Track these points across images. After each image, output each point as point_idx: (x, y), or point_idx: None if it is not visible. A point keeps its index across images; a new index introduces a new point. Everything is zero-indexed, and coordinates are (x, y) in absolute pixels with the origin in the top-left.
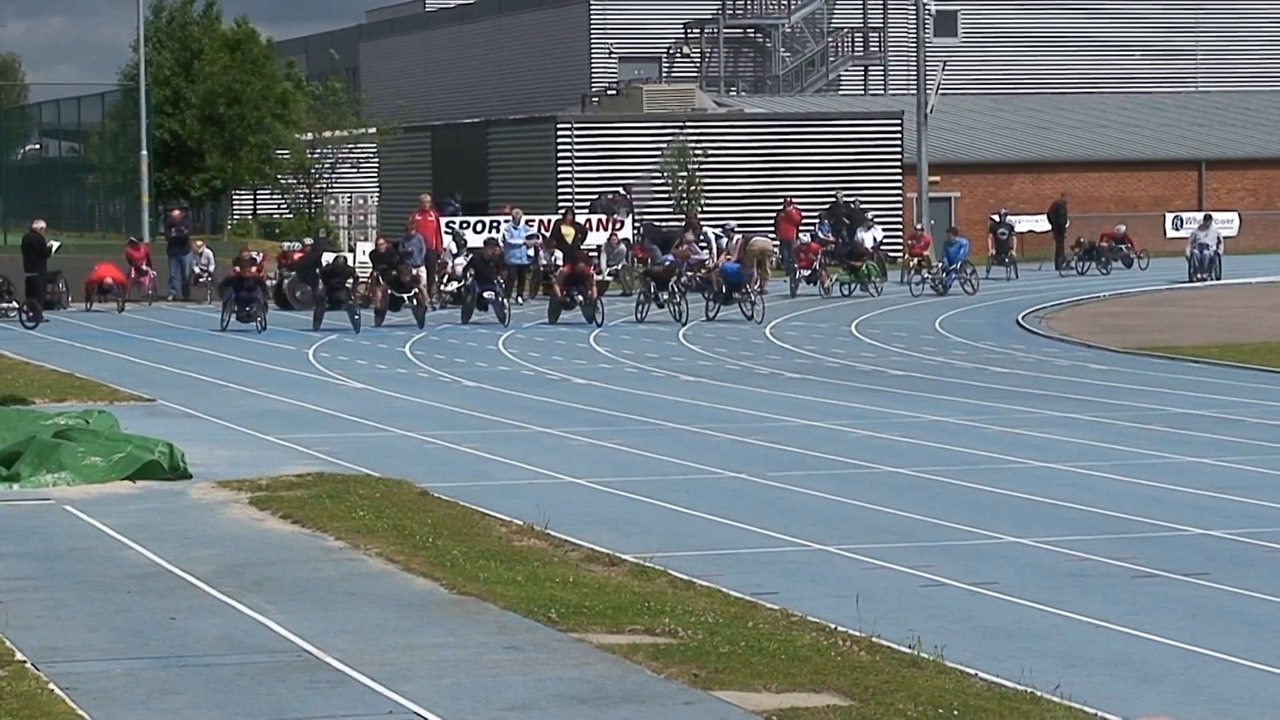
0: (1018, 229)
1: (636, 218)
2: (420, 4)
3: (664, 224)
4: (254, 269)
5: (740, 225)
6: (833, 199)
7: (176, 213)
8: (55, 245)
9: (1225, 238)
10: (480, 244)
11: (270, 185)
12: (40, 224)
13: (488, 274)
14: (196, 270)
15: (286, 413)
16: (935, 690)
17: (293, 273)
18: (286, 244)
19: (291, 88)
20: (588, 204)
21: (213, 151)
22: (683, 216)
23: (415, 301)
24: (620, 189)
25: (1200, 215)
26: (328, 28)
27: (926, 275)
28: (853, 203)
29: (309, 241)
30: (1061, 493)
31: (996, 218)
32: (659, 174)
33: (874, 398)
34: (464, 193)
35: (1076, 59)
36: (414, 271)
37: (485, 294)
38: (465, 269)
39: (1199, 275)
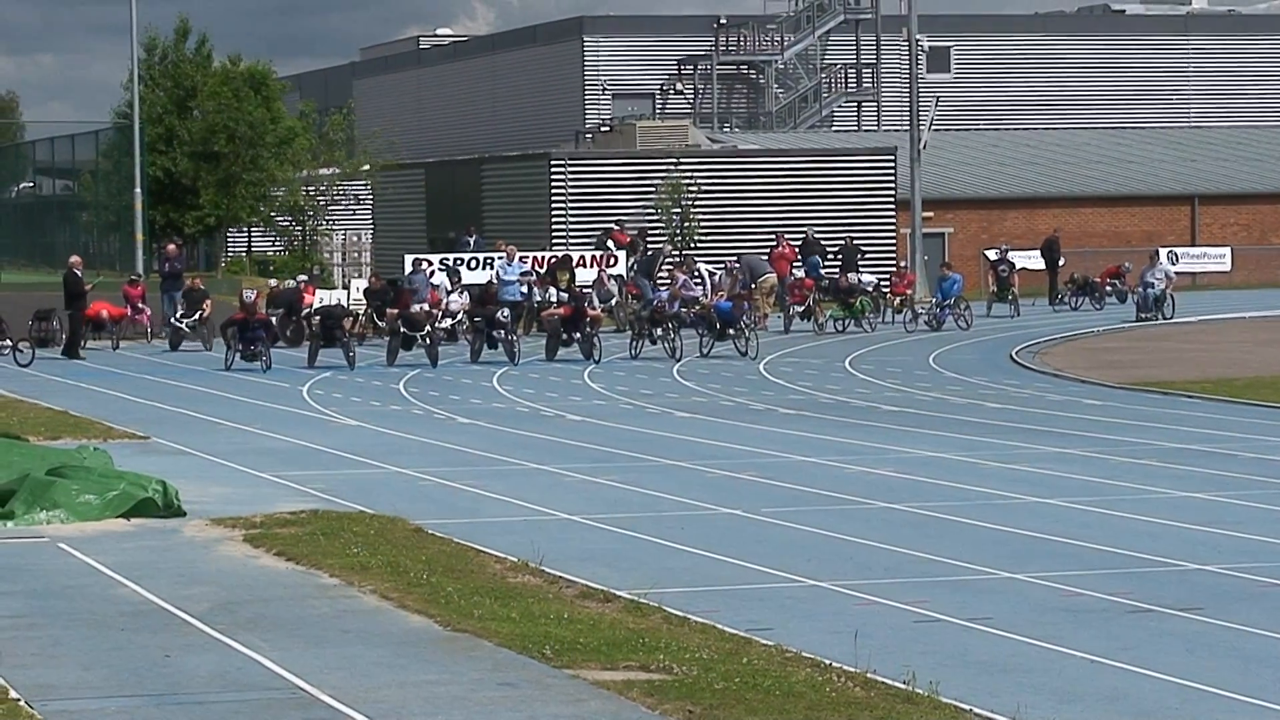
0: (1018, 265)
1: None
2: (414, 41)
3: (652, 247)
4: (258, 312)
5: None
6: (804, 235)
7: (171, 247)
8: (89, 285)
9: (1218, 272)
10: (475, 280)
11: (264, 223)
12: (75, 259)
13: (494, 313)
14: None
15: (281, 450)
16: None
17: (280, 310)
18: (290, 281)
19: (300, 126)
20: (588, 239)
21: (208, 188)
22: (676, 253)
23: (429, 341)
24: (636, 230)
25: (1148, 253)
26: (322, 65)
27: (920, 312)
28: (848, 240)
29: (289, 283)
30: (1056, 528)
31: (996, 254)
32: (653, 210)
33: (868, 433)
34: (456, 229)
35: (1069, 94)
36: (426, 310)
37: (495, 333)
38: (476, 314)
39: (1143, 315)
